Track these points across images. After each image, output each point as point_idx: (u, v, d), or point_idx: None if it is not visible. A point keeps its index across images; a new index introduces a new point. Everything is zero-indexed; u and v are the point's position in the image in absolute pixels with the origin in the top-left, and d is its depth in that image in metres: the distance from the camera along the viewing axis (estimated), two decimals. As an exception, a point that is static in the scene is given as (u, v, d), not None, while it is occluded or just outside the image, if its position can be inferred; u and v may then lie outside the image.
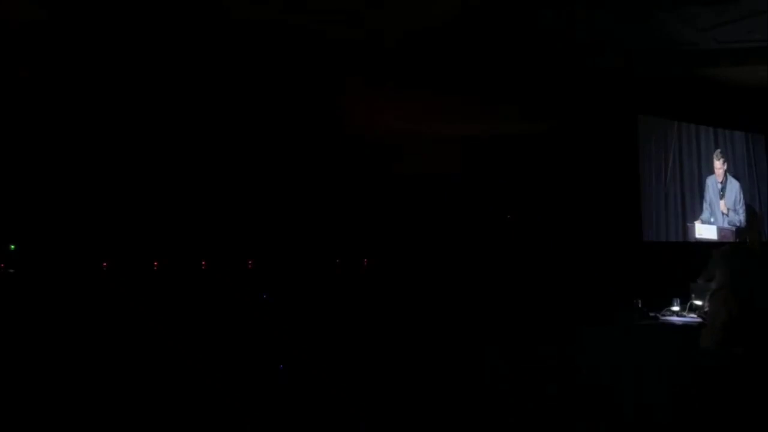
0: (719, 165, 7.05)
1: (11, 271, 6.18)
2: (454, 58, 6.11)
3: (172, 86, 6.42)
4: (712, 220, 6.94)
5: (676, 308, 5.51)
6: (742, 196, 7.05)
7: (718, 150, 7.09)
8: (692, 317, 5.32)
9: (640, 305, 5.47)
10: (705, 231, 6.88)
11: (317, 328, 6.45)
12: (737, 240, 6.37)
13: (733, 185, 7.06)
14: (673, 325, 5.26)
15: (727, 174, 7.06)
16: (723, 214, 6.98)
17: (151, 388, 5.22)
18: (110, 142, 6.77)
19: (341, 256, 7.93)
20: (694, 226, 6.88)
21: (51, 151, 6.56)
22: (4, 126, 6.24)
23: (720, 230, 6.89)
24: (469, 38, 5.81)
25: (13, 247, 6.21)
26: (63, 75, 6.05)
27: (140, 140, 6.87)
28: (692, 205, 6.96)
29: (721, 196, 7.00)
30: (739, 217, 6.96)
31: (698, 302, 5.28)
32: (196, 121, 6.91)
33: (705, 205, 6.98)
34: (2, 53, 5.62)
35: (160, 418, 4.90)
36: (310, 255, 7.69)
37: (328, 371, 5.76)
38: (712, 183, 7.03)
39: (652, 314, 5.43)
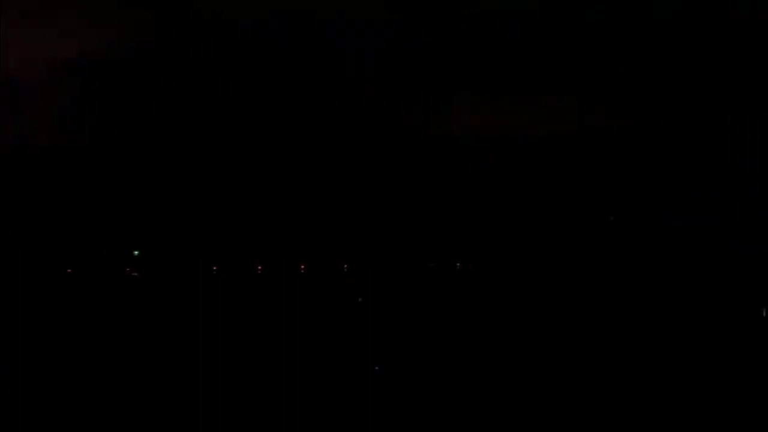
0: None
1: (135, 274, 6.81)
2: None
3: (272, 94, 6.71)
4: None
5: None
6: None
7: None
8: None
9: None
10: None
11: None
12: None
13: None
14: None
15: None
16: None
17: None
18: (221, 147, 7.19)
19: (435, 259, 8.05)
20: None
21: (168, 161, 7.10)
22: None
23: None
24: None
25: (137, 252, 6.84)
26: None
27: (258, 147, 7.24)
28: None
29: None
30: None
31: None
32: (308, 131, 7.17)
33: None
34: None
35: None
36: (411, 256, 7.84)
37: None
38: None
39: None
